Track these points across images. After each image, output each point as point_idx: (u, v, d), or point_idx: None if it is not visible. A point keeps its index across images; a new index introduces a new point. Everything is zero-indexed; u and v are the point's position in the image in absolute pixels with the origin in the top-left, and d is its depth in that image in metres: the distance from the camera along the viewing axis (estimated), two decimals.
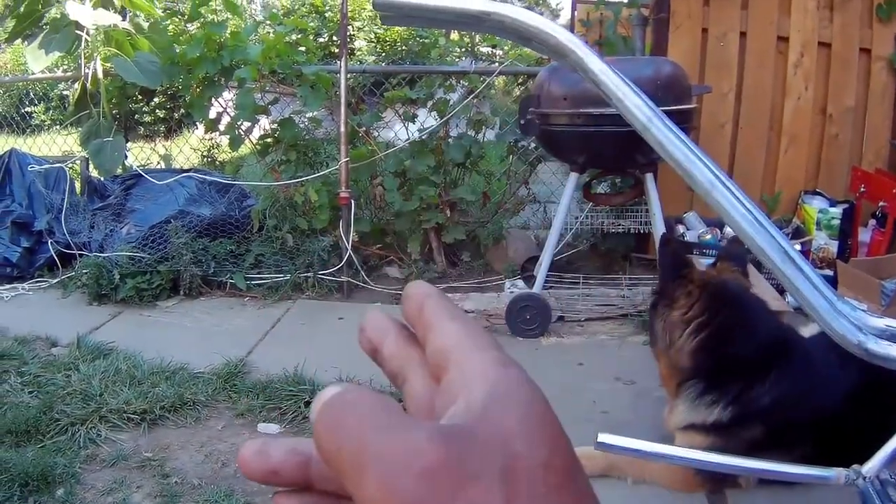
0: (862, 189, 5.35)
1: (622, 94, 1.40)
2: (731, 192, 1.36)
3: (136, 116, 9.59)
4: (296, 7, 12.67)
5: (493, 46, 8.96)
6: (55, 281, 5.62)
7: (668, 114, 3.96)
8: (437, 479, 0.36)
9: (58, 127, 10.79)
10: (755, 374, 2.86)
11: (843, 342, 1.36)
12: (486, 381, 0.42)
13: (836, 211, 5.39)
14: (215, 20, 5.81)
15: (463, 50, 7.85)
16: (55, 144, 8.24)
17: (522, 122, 4.61)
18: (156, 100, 9.71)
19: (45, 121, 12.66)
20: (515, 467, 0.38)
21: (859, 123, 5.81)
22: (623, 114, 1.41)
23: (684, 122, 4.43)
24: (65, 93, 11.08)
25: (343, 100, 5.17)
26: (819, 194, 5.62)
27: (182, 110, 7.98)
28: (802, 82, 5.71)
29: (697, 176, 1.37)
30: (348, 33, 12.19)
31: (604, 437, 1.98)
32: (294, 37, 6.42)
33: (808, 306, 1.35)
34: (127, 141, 6.36)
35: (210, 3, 5.76)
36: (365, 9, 11.99)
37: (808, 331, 3.10)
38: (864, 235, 5.36)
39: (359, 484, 0.37)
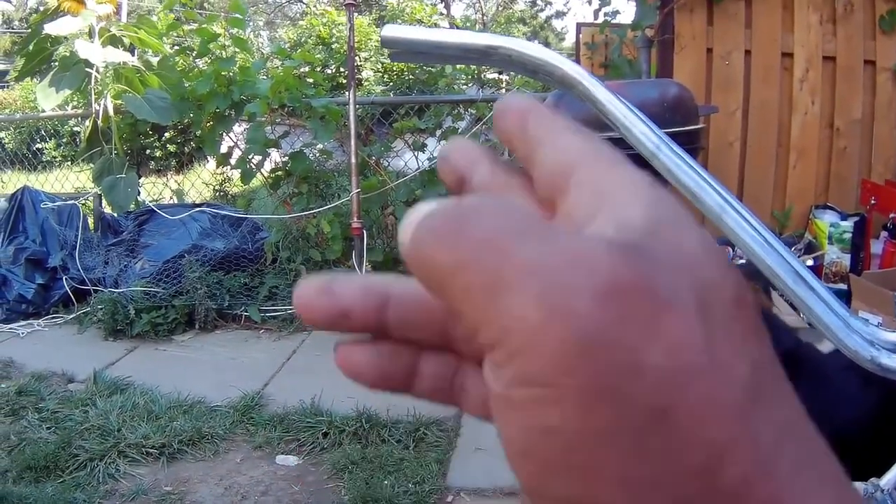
0: (873, 201, 5.34)
1: (630, 122, 1.41)
2: (740, 214, 1.37)
3: (148, 151, 9.62)
4: (302, 39, 12.73)
5: (500, 73, 9.00)
6: (70, 317, 5.65)
7: (676, 135, 3.97)
8: (626, 302, 0.28)
9: (69, 163, 10.85)
10: None
11: (857, 358, 1.37)
12: (640, 197, 0.32)
13: (848, 224, 5.37)
14: (224, 56, 5.84)
15: (469, 77, 7.87)
16: (67, 181, 8.27)
17: None
18: (166, 134, 9.75)
19: (56, 157, 12.73)
20: (709, 300, 0.30)
21: (867, 135, 5.80)
22: (631, 142, 1.43)
23: (692, 142, 4.43)
24: (76, 129, 11.13)
25: (353, 131, 5.20)
26: (830, 208, 5.61)
27: (193, 144, 8.01)
28: (809, 97, 5.71)
29: (707, 200, 1.38)
30: (356, 64, 12.27)
31: None
32: (303, 69, 6.45)
33: (821, 325, 1.36)
34: (139, 176, 6.39)
35: (218, 39, 5.79)
36: (371, 39, 12.03)
37: (825, 346, 3.10)
38: (876, 247, 5.34)
39: (496, 310, 0.29)
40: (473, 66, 7.58)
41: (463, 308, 0.30)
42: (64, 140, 12.91)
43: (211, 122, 5.81)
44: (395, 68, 11.91)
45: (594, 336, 0.27)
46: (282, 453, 3.63)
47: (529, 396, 0.29)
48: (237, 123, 6.00)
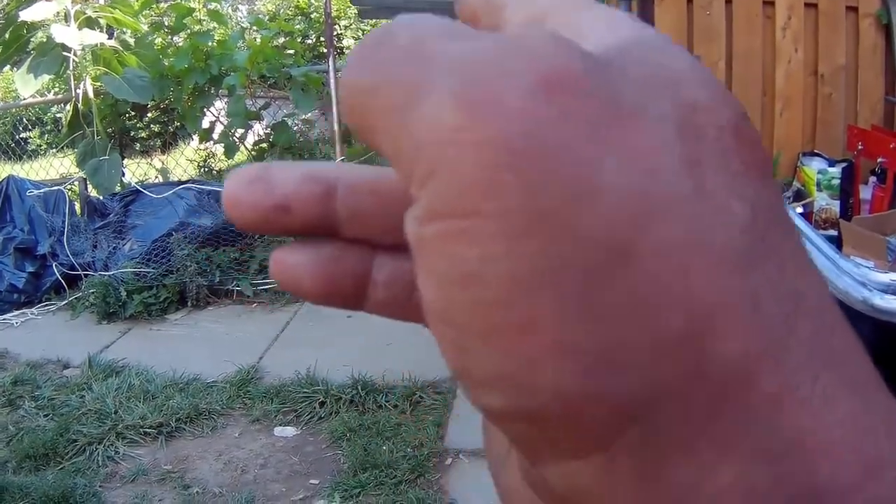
0: (860, 147, 5.33)
1: None
2: None
3: (132, 133, 9.57)
4: (281, 11, 12.66)
5: None
6: (63, 303, 5.63)
7: None
8: (574, 98, 0.21)
9: (54, 150, 10.78)
10: None
11: (848, 300, 1.36)
12: (619, 28, 0.25)
13: (836, 170, 5.36)
14: (201, 30, 5.80)
15: None
16: (52, 168, 8.23)
17: None
18: (150, 115, 9.70)
19: (41, 145, 12.64)
20: (696, 122, 0.22)
21: (852, 82, 5.79)
22: None
23: None
24: (58, 116, 11.08)
25: (334, 99, 5.17)
26: (817, 155, 5.59)
27: (176, 123, 7.98)
28: (792, 45, 5.69)
29: None
30: (336, 32, 12.20)
31: None
32: (281, 40, 6.42)
33: None
34: (123, 158, 6.36)
35: (194, 14, 5.75)
36: (350, 7, 11.95)
37: None
38: (865, 193, 5.33)
39: (408, 125, 0.21)
40: None
41: (382, 140, 0.23)
42: (47, 128, 12.84)
43: (191, 98, 5.77)
44: None
45: (527, 139, 0.20)
46: (280, 425, 3.64)
47: (443, 232, 0.21)
48: (218, 98, 5.97)
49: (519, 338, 0.21)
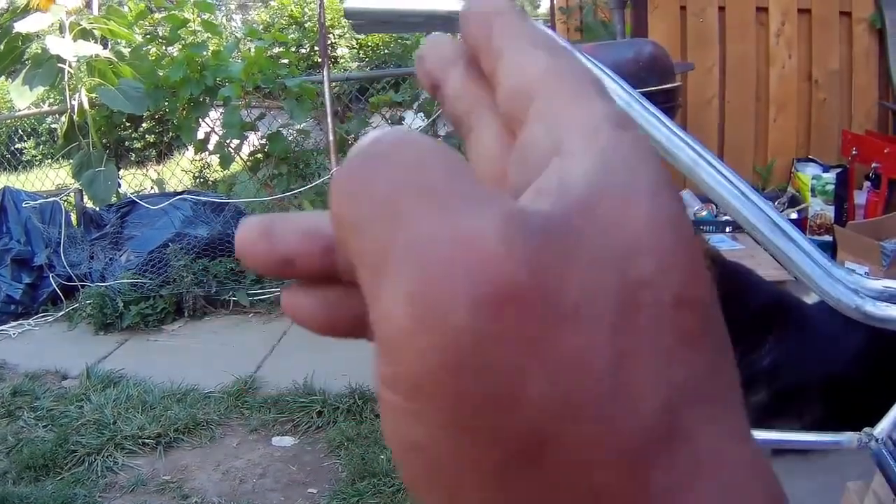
0: (854, 152, 5.36)
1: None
2: (714, 167, 1.36)
3: (127, 143, 9.56)
4: (275, 21, 12.66)
5: None
6: (60, 314, 5.63)
7: (653, 94, 3.96)
8: (512, 313, 0.23)
9: (49, 161, 10.77)
10: (753, 337, 2.89)
11: (840, 307, 1.36)
12: (593, 147, 0.27)
13: (830, 176, 5.38)
14: (196, 41, 5.81)
15: None
16: (48, 179, 8.22)
17: None
18: (144, 125, 9.71)
19: (36, 156, 12.62)
20: (637, 302, 0.24)
21: (846, 87, 5.81)
22: None
23: (669, 101, 4.42)
24: (53, 126, 11.06)
25: (329, 109, 5.19)
26: (812, 161, 5.62)
27: (171, 133, 7.98)
28: (785, 50, 5.71)
29: (680, 155, 1.37)
30: (330, 42, 12.21)
31: None
32: (276, 50, 6.42)
33: (802, 275, 1.36)
34: (119, 169, 6.36)
35: (189, 25, 5.76)
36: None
37: (812, 298, 3.11)
38: (859, 198, 5.36)
39: (376, 292, 0.24)
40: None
41: (359, 274, 0.26)
42: (42, 139, 12.82)
43: (186, 109, 5.78)
44: (370, 44, 11.87)
45: (465, 355, 0.23)
46: (277, 435, 3.64)
47: (396, 405, 0.25)
48: (213, 109, 5.98)
49: (454, 497, 0.25)
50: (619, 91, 1.40)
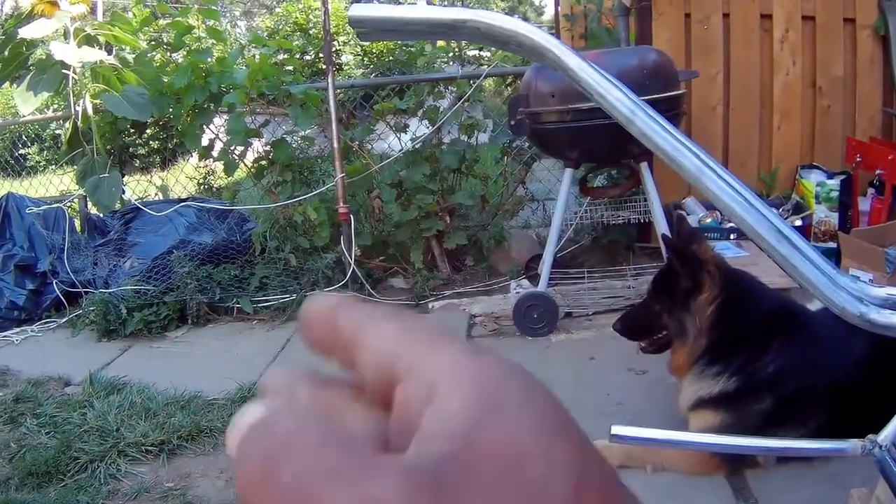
0: (858, 158, 5.35)
1: (603, 89, 1.39)
2: (719, 176, 1.35)
3: (131, 150, 9.59)
4: (280, 27, 12.69)
5: (480, 49, 8.97)
6: (63, 320, 5.63)
7: (657, 101, 3.98)
8: None
9: (53, 167, 10.80)
10: (758, 344, 2.89)
11: (845, 315, 1.36)
12: (464, 381, 0.29)
13: (834, 183, 5.38)
14: (200, 48, 5.81)
15: (451, 56, 7.85)
16: (51, 185, 8.25)
17: (513, 122, 4.62)
18: (148, 131, 9.73)
19: (39, 162, 12.67)
20: None
21: (850, 93, 5.81)
22: (606, 109, 1.41)
23: (673, 108, 4.43)
24: (58, 132, 11.08)
25: (333, 116, 5.19)
26: (816, 168, 5.61)
27: (175, 140, 8.00)
28: (790, 57, 5.71)
29: (685, 164, 1.37)
30: (334, 48, 12.23)
31: (617, 430, 1.94)
32: (280, 57, 6.43)
33: (806, 283, 1.35)
34: (123, 175, 6.37)
35: (193, 32, 5.76)
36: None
37: (815, 305, 3.11)
38: (863, 205, 5.35)
39: None
40: (454, 44, 7.59)
41: None
42: (46, 144, 12.85)
43: (190, 116, 5.78)
44: (374, 50, 11.89)
45: None
46: None
47: None
48: (217, 116, 5.98)
49: None
50: (621, 97, 1.40)
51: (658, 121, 1.38)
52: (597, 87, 1.39)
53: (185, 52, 5.91)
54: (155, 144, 10.97)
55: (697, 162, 1.36)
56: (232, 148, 5.82)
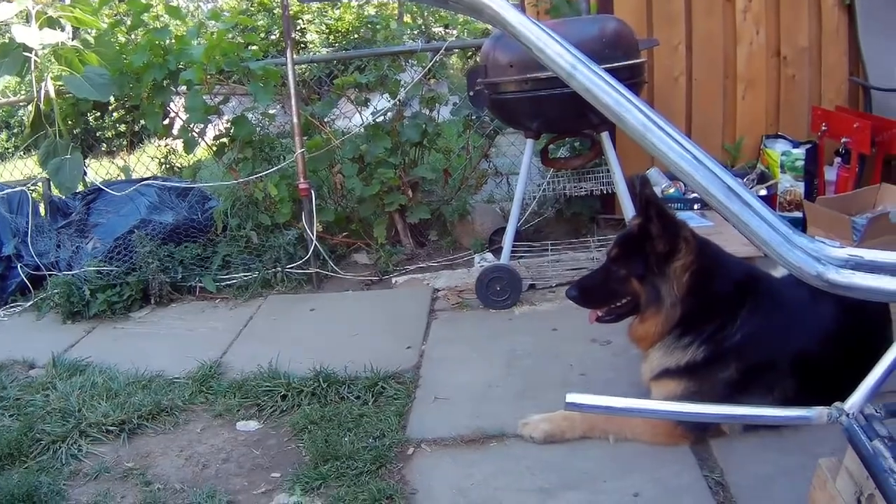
0: (824, 127, 5.36)
1: (543, 43, 1.36)
2: (667, 133, 1.33)
3: (98, 133, 9.51)
4: (245, 7, 12.61)
5: (446, 26, 8.94)
6: (28, 304, 5.59)
7: (617, 70, 3.97)
8: None
9: (22, 153, 10.72)
10: (726, 312, 2.87)
11: (801, 274, 1.34)
12: None
13: (799, 152, 5.38)
14: (159, 26, 5.76)
15: (416, 32, 7.83)
16: (17, 170, 8.19)
17: (471, 93, 4.61)
18: (115, 114, 9.67)
19: (8, 148, 12.57)
20: None
21: (816, 63, 5.81)
22: (546, 64, 1.38)
23: (634, 76, 4.43)
24: (24, 118, 11.01)
25: (293, 91, 5.15)
26: (781, 137, 5.62)
27: (141, 122, 7.94)
28: (753, 27, 5.70)
29: (630, 120, 1.34)
30: (299, 27, 12.17)
31: (573, 398, 1.89)
32: (241, 37, 6.37)
33: (759, 241, 1.32)
34: (86, 157, 6.32)
35: (151, 10, 5.71)
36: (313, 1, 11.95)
37: (780, 272, 3.10)
38: (830, 174, 5.36)
39: None
40: (420, 20, 7.54)
41: None
42: (14, 131, 12.76)
43: (150, 94, 5.74)
44: (339, 28, 11.83)
45: None
46: (242, 419, 3.61)
47: None
48: (177, 94, 5.93)
49: None
50: (561, 51, 1.36)
51: (600, 75, 1.35)
52: (537, 41, 1.36)
53: (143, 31, 5.86)
54: (122, 127, 10.92)
55: (642, 117, 1.33)
56: (192, 126, 5.78)
